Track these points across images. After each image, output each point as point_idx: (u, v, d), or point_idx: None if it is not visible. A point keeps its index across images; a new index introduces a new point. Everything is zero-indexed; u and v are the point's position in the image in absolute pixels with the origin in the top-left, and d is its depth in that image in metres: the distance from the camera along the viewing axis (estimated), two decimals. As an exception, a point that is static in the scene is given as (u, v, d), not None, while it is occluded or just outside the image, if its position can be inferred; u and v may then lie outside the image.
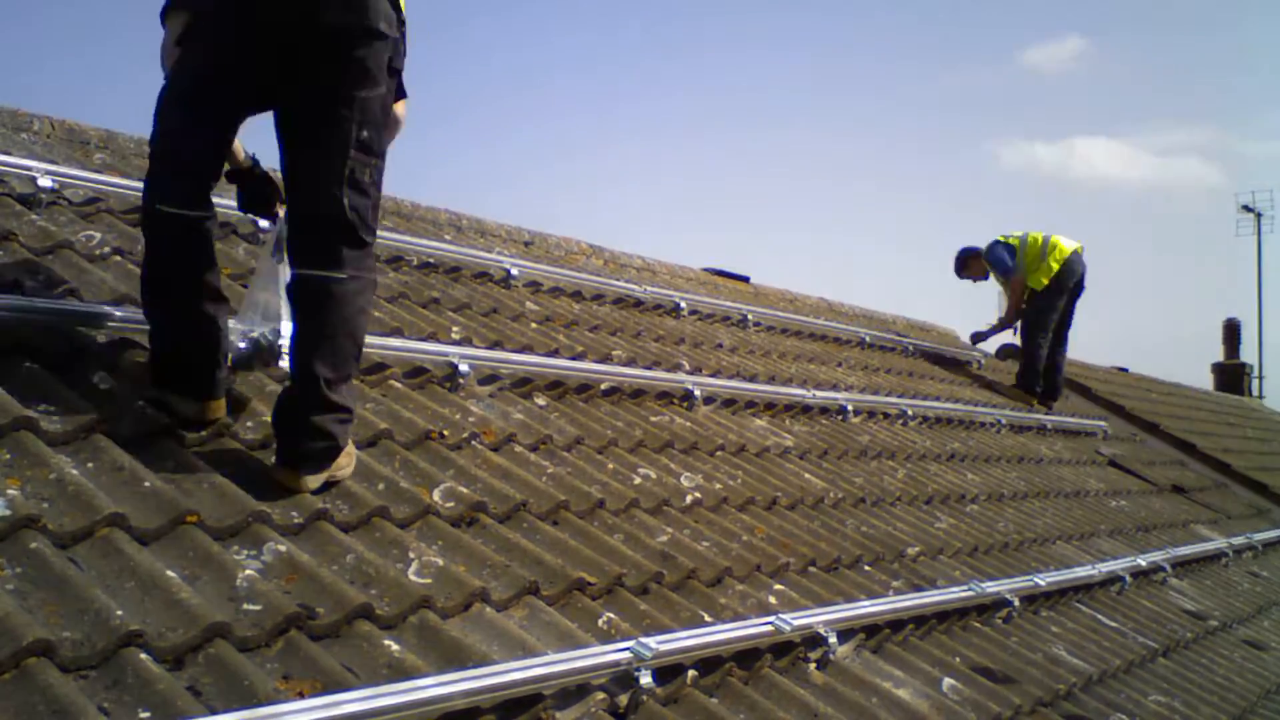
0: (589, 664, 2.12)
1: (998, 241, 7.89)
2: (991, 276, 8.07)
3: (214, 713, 1.62)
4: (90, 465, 2.14)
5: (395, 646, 1.99)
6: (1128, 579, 4.52)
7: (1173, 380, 12.56)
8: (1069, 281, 7.67)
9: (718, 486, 3.49)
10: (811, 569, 3.25)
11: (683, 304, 5.44)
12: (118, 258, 3.04)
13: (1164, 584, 4.92)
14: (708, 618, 2.61)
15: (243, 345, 2.53)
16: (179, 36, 2.32)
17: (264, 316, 2.56)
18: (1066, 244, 7.68)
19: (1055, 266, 7.58)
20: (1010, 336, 8.15)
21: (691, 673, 2.37)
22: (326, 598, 2.02)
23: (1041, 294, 7.67)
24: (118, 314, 2.61)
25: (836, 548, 3.43)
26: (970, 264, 8.18)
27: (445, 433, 2.95)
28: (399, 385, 3.15)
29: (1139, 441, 8.46)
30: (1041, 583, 3.88)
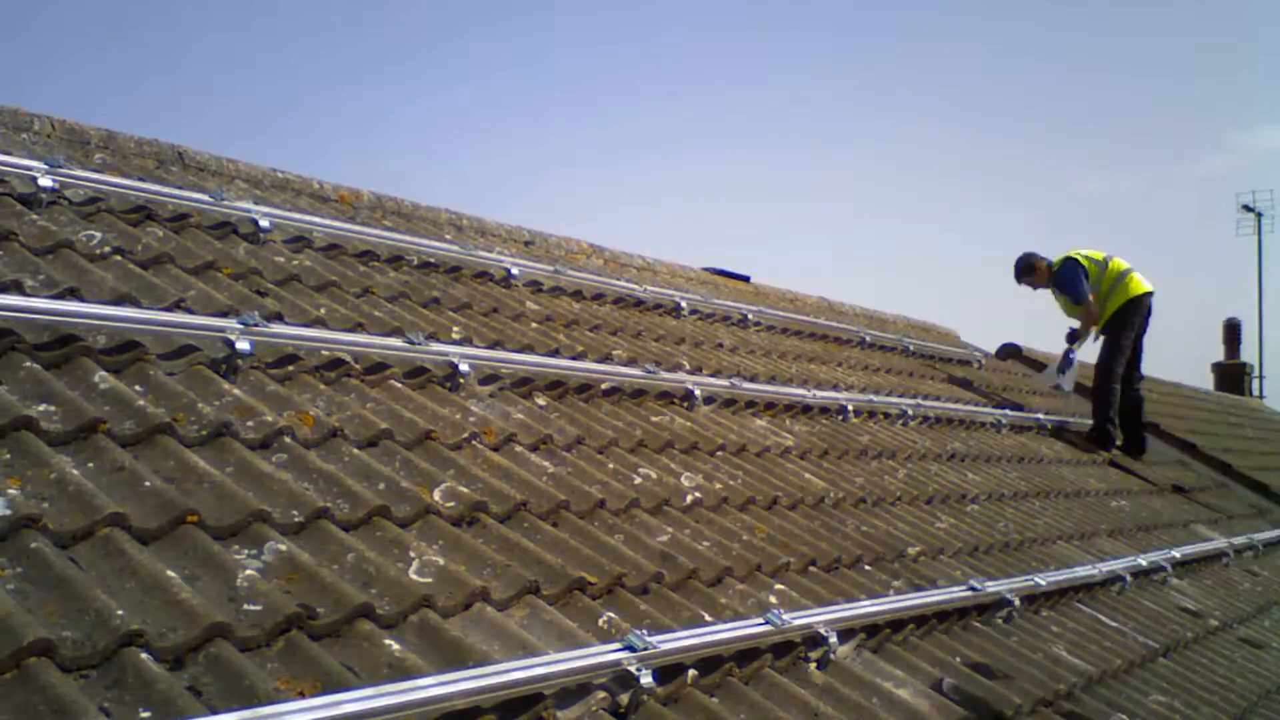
0: (589, 663, 2.12)
1: (1075, 260, 7.22)
2: (1052, 293, 7.43)
3: (214, 713, 1.62)
4: (90, 465, 2.14)
5: (396, 646, 1.99)
6: (1128, 579, 4.52)
7: (1173, 380, 12.57)
8: (1135, 320, 7.18)
9: (718, 486, 3.49)
10: (812, 569, 3.25)
11: (683, 304, 5.44)
12: (118, 258, 3.04)
13: (1164, 584, 4.92)
14: (708, 617, 2.61)
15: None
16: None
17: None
18: (1143, 281, 7.18)
19: (1119, 301, 7.10)
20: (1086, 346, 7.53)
21: (692, 672, 2.37)
22: (327, 597, 2.02)
23: (1107, 330, 7.21)
24: (118, 314, 2.61)
25: (837, 547, 3.43)
26: (1035, 270, 7.41)
27: (446, 432, 2.95)
28: (399, 385, 3.15)
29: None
30: (1042, 582, 3.88)
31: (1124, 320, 7.14)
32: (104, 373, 2.47)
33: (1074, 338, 7.40)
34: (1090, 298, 7.12)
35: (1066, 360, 7.51)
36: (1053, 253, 7.42)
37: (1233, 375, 17.47)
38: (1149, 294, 7.18)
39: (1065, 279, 7.22)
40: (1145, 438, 7.55)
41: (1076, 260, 7.22)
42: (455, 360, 3.34)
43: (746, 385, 4.58)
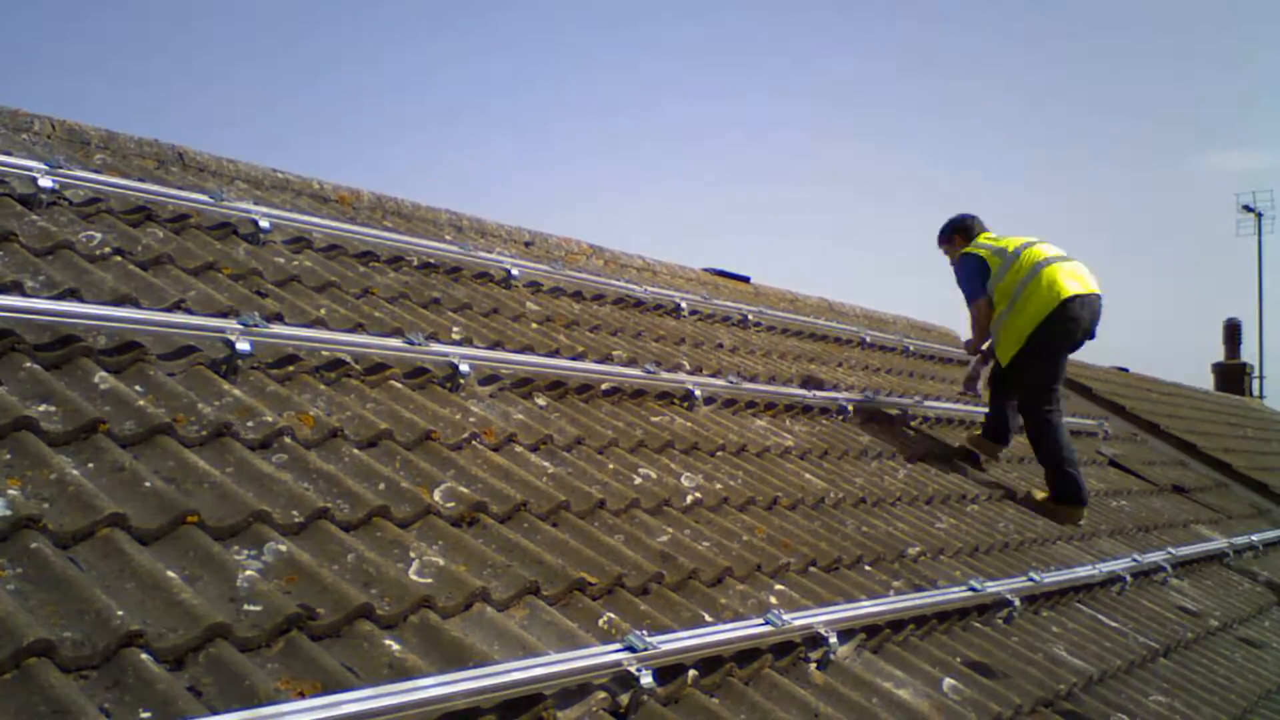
0: (589, 664, 2.12)
1: (971, 253, 5.35)
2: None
3: (215, 713, 1.62)
4: (90, 465, 2.14)
5: (396, 646, 1.99)
6: (1128, 579, 4.52)
7: (1173, 380, 12.57)
8: (1062, 338, 5.08)
9: (718, 486, 3.49)
10: (812, 569, 3.25)
11: (683, 304, 5.44)
12: (118, 258, 3.04)
13: (1164, 584, 4.92)
14: (708, 618, 2.61)
15: None
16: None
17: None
18: (1068, 284, 5.01)
19: (1036, 317, 5.02)
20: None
21: (692, 673, 2.37)
22: (327, 598, 2.02)
23: (1024, 358, 5.16)
24: (118, 314, 2.61)
25: (837, 548, 3.43)
26: (956, 239, 5.56)
27: (447, 432, 2.95)
28: (399, 385, 3.15)
29: (1139, 441, 8.46)
30: (1042, 582, 3.88)
31: (1045, 343, 5.09)
32: (104, 373, 2.47)
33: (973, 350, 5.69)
34: (981, 301, 5.31)
35: (973, 378, 5.80)
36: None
37: (1233, 375, 17.48)
38: (1076, 298, 5.01)
39: (958, 273, 5.44)
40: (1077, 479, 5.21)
41: (972, 252, 5.35)
42: (455, 361, 3.34)
43: (747, 385, 4.58)
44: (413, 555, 2.32)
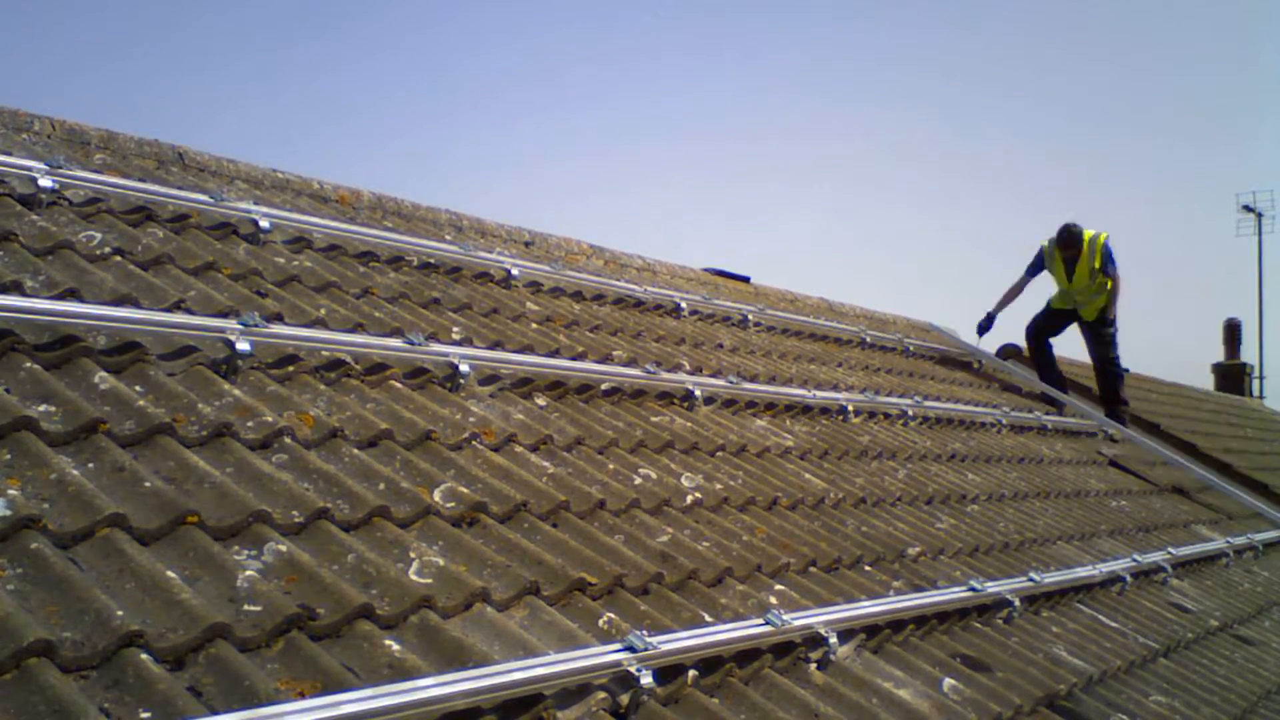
0: (589, 664, 2.12)
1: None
2: (1088, 266, 7.89)
3: (215, 713, 1.62)
4: (90, 465, 2.14)
5: (396, 646, 1.99)
6: (1128, 579, 4.52)
7: (1173, 380, 12.57)
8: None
9: (718, 487, 3.49)
10: (812, 569, 3.25)
11: (683, 304, 5.44)
12: (118, 258, 3.04)
13: (1164, 584, 4.92)
14: (708, 618, 2.61)
15: None
16: None
17: None
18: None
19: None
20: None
21: (692, 673, 2.37)
22: (327, 598, 2.02)
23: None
24: (118, 314, 2.61)
25: (837, 548, 3.43)
26: (1078, 241, 7.88)
27: (447, 432, 2.95)
28: (399, 385, 3.15)
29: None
30: (1042, 582, 3.88)
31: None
32: (104, 373, 2.47)
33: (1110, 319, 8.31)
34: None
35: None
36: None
37: (1233, 375, 17.47)
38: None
39: (1112, 252, 7.92)
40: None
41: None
42: (455, 361, 3.34)
43: (747, 385, 4.58)
44: (413, 555, 2.32)
